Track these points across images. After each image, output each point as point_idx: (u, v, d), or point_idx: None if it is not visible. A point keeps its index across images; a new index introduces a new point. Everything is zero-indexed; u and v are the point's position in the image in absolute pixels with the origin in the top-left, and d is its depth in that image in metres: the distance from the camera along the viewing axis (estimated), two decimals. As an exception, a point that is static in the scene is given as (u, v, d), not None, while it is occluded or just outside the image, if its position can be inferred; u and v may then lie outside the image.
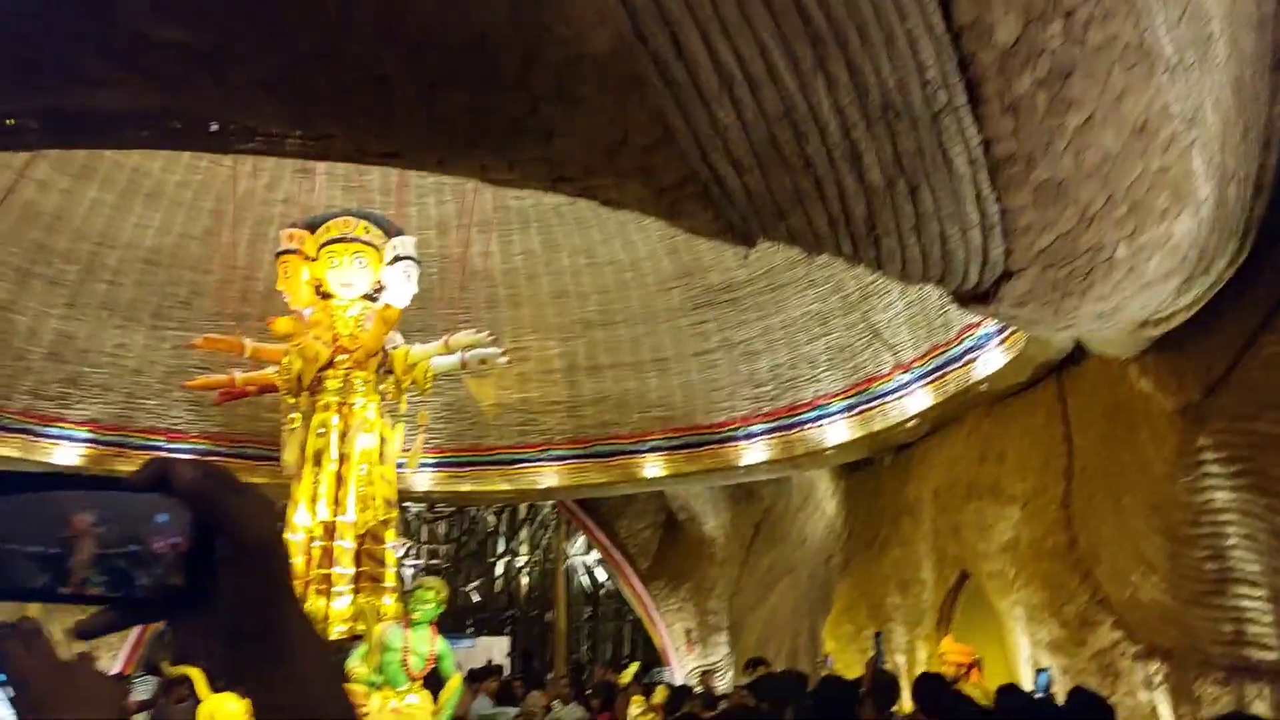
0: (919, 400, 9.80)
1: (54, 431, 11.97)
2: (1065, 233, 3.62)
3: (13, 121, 3.46)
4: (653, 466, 12.12)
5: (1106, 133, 3.47)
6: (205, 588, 0.82)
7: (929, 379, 9.73)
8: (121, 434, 12.26)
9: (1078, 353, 7.50)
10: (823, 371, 10.94)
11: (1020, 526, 7.91)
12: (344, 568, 8.01)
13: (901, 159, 3.28)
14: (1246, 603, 5.51)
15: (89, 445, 12.05)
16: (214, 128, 3.48)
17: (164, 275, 11.95)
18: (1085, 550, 7.04)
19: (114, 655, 13.86)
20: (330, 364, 7.88)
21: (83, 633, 0.88)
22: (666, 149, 3.13)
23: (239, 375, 8.24)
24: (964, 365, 9.22)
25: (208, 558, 0.82)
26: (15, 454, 11.58)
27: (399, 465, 8.25)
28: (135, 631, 14.05)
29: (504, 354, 8.07)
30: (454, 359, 8.16)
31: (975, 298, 3.97)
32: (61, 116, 3.31)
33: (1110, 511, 6.78)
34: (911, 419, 9.83)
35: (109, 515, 0.82)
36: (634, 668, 11.18)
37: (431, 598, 7.85)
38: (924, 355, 9.91)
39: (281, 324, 7.93)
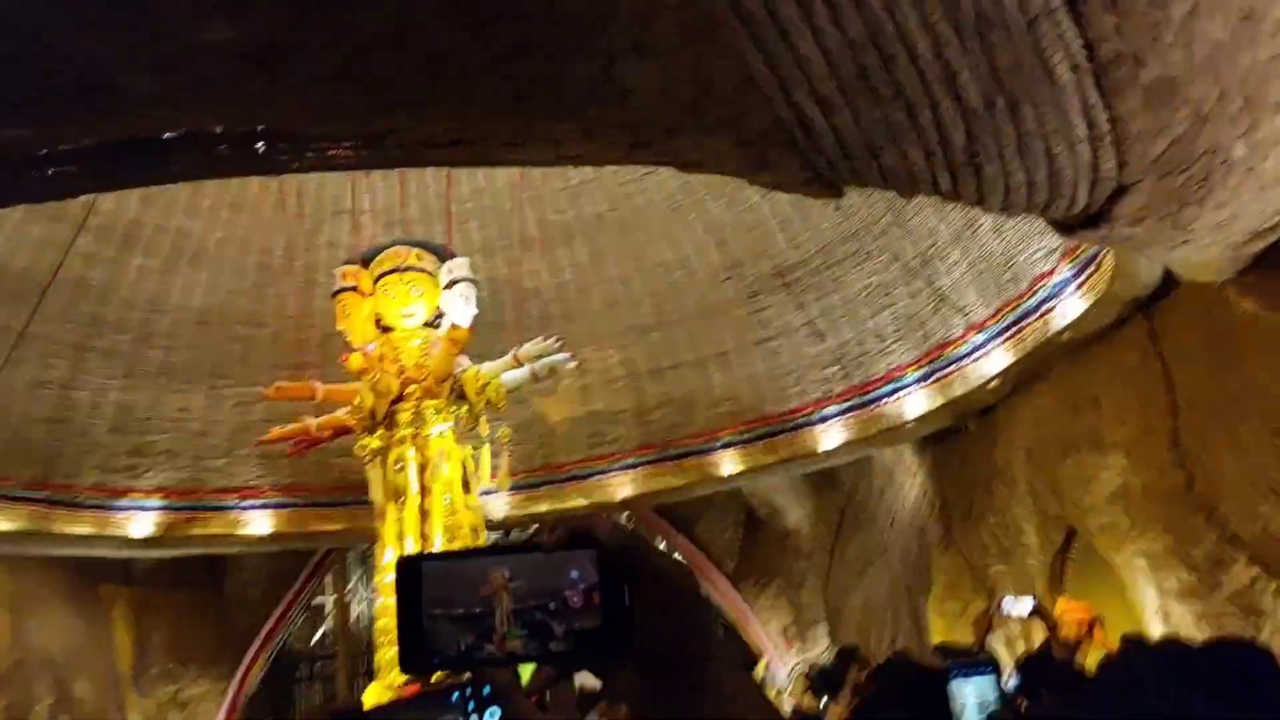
0: (998, 359, 9.47)
1: (125, 504, 11.99)
2: (1180, 136, 3.35)
3: (52, 171, 3.34)
4: (729, 463, 11.87)
5: (1214, 21, 3.19)
6: (625, 632, 0.87)
7: (1006, 336, 9.40)
8: (194, 498, 12.26)
9: (1165, 285, 7.16)
10: (892, 344, 10.64)
11: (1128, 473, 7.54)
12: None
13: (999, 75, 3.04)
14: (1398, 519, 5.15)
15: (162, 513, 12.05)
16: (261, 147, 3.32)
17: (217, 334, 11.96)
18: (1205, 488, 6.67)
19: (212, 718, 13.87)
20: (400, 396, 7.77)
21: (530, 690, 0.98)
22: (749, 94, 2.91)
23: (313, 422, 8.14)
24: (1041, 316, 8.88)
25: (622, 605, 0.87)
26: (89, 531, 11.60)
27: (488, 491, 8.11)
28: (231, 693, 14.06)
29: (573, 358, 7.90)
30: (523, 372, 8.02)
31: (1085, 222, 3.70)
32: (102, 153, 3.18)
33: (1227, 444, 6.42)
34: (992, 379, 9.49)
35: (523, 572, 0.89)
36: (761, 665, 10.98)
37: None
38: (996, 313, 9.59)
39: (355, 360, 7.82)
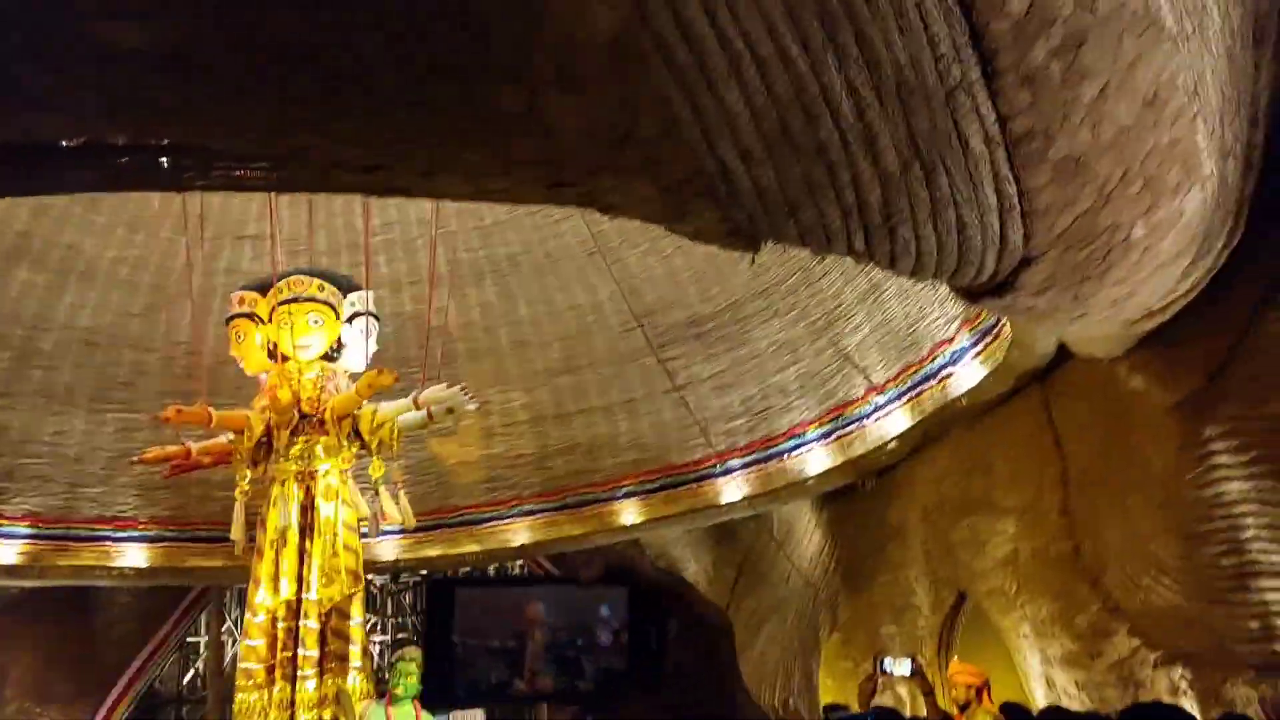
0: (897, 421, 9.64)
1: (-11, 529, 11.31)
2: (1084, 212, 3.46)
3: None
4: (629, 513, 11.76)
5: (1120, 104, 3.32)
6: (652, 674, 0.69)
7: (905, 399, 9.59)
8: (65, 526, 11.62)
9: (1060, 358, 7.39)
10: (796, 400, 10.76)
11: (1018, 540, 7.72)
12: (309, 649, 7.53)
13: (917, 140, 3.09)
14: (1271, 595, 5.34)
15: (29, 541, 11.38)
16: (165, 162, 3.17)
17: (103, 356, 11.43)
18: (1091, 558, 6.85)
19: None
20: (293, 429, 7.49)
21: None
22: (673, 141, 2.90)
23: (194, 445, 7.77)
24: (939, 382, 9.09)
25: (650, 647, 0.69)
26: (-53, 556, 10.91)
27: (388, 531, 7.82)
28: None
29: (473, 399, 7.65)
30: (421, 414, 7.76)
31: (991, 290, 3.78)
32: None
33: (1114, 516, 6.62)
34: (891, 440, 9.65)
35: (557, 607, 0.70)
36: None
37: (415, 670, 7.41)
38: (897, 375, 9.78)
39: (285, 393, 7.47)
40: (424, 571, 15.57)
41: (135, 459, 7.99)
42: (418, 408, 7.48)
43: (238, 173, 3.25)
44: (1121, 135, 3.37)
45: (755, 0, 2.71)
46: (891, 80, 2.97)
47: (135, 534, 11.98)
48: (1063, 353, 7.19)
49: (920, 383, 9.40)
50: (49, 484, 11.47)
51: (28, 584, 12.10)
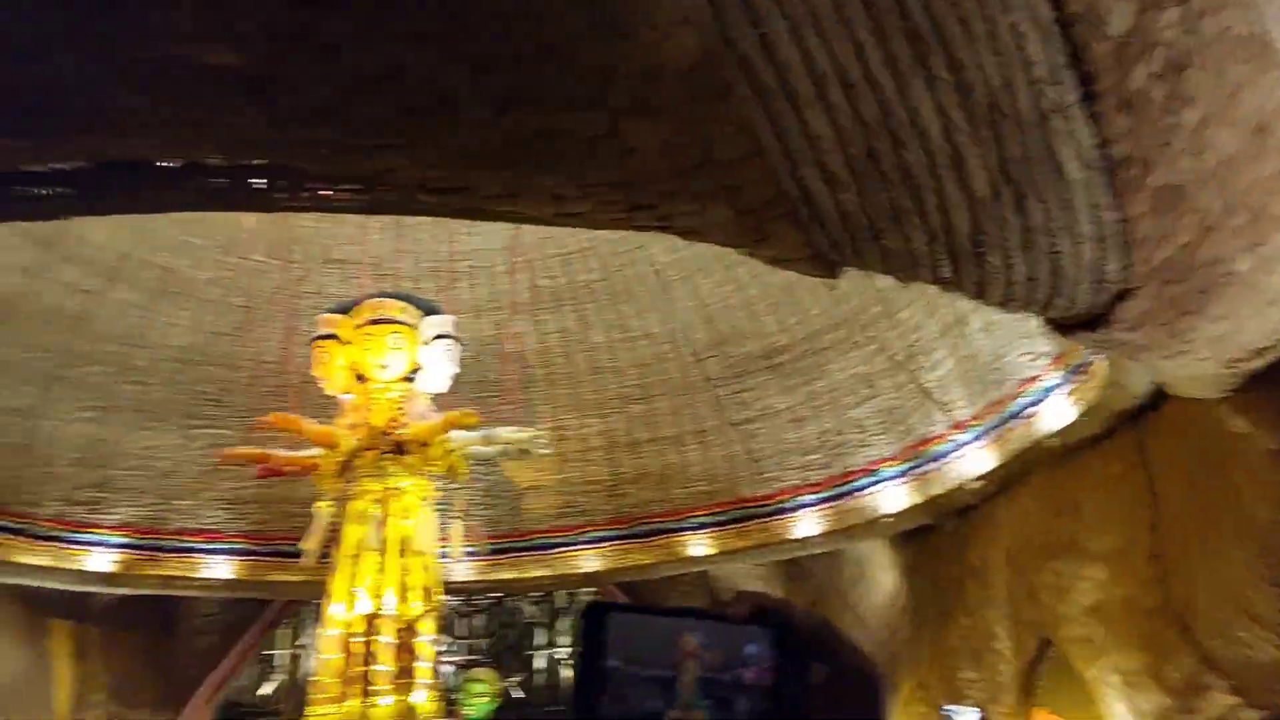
0: (980, 460, 9.37)
1: (86, 538, 11.69)
2: (1184, 244, 3.32)
3: (46, 191, 3.25)
4: (699, 545, 11.64)
5: (1223, 132, 3.18)
6: (797, 715, 0.67)
7: (989, 437, 9.32)
8: (155, 537, 11.96)
9: (1156, 398, 7.10)
10: (874, 436, 10.54)
11: (1108, 586, 7.40)
12: (384, 665, 7.64)
13: (1008, 166, 3.00)
14: (1382, 654, 5.02)
15: (122, 550, 11.75)
16: (259, 183, 3.24)
17: (194, 374, 11.78)
18: (1185, 608, 6.53)
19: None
20: (372, 448, 7.63)
21: None
22: (753, 165, 2.86)
23: (281, 454, 7.96)
24: (1026, 420, 8.80)
25: (799, 686, 0.67)
26: (47, 563, 11.28)
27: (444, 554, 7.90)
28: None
29: (545, 443, 7.73)
30: (492, 450, 7.88)
31: (1084, 324, 3.65)
32: (95, 176, 3.09)
33: (1210, 564, 6.31)
34: (973, 480, 9.38)
35: (712, 641, 0.69)
36: None
37: (485, 690, 7.44)
38: (981, 413, 9.52)
39: (378, 418, 7.66)
40: (497, 594, 15.67)
41: (221, 453, 8.22)
42: (488, 444, 7.59)
43: (325, 193, 3.30)
44: (1224, 165, 3.23)
45: (842, 22, 2.66)
46: (983, 103, 2.89)
47: (221, 547, 12.28)
48: (1159, 392, 6.91)
49: (1005, 421, 9.12)
50: (142, 496, 11.82)
51: (120, 592, 12.46)
